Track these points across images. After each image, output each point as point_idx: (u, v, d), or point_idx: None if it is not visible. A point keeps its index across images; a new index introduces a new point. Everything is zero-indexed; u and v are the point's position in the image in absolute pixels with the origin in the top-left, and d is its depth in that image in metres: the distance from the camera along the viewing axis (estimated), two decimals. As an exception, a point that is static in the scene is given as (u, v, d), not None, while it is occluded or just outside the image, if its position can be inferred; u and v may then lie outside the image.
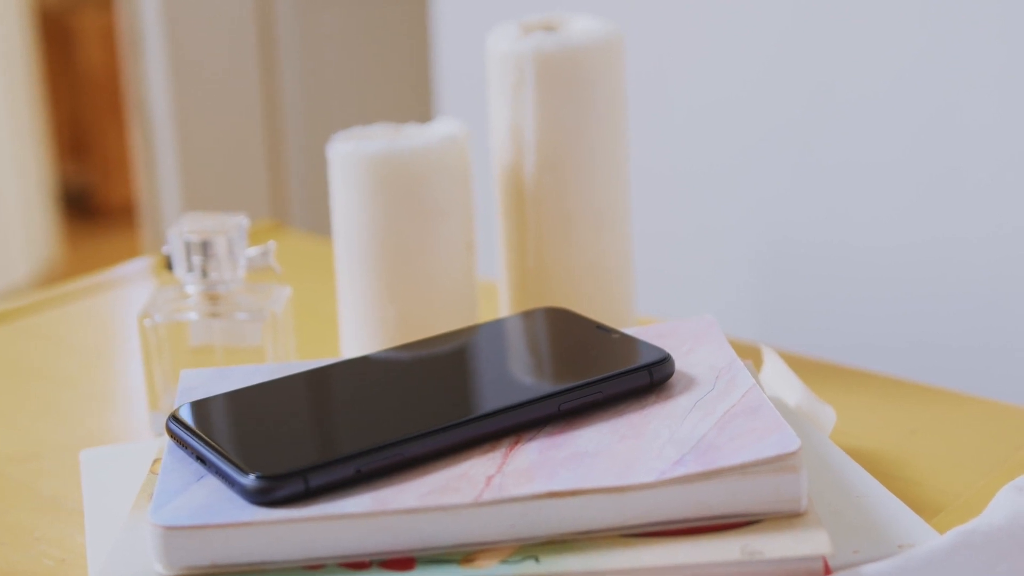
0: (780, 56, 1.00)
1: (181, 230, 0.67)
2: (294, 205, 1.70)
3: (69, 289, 0.91)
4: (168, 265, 0.68)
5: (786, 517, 0.50)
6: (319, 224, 1.69)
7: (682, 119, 1.07)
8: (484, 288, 0.82)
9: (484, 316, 0.78)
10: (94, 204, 2.85)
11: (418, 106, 1.67)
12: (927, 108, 0.94)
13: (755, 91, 1.02)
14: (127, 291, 0.92)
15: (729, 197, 1.06)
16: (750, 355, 0.72)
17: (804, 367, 0.73)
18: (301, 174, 1.69)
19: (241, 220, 0.68)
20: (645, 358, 0.56)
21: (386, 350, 0.60)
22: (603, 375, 0.55)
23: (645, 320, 0.82)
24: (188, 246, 0.67)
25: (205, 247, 0.67)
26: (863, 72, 0.97)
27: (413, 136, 0.70)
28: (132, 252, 2.61)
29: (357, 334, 0.71)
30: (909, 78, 0.94)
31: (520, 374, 0.58)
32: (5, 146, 2.51)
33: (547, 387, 0.54)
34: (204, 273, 0.67)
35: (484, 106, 0.99)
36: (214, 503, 0.49)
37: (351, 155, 0.69)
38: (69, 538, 0.59)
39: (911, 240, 0.97)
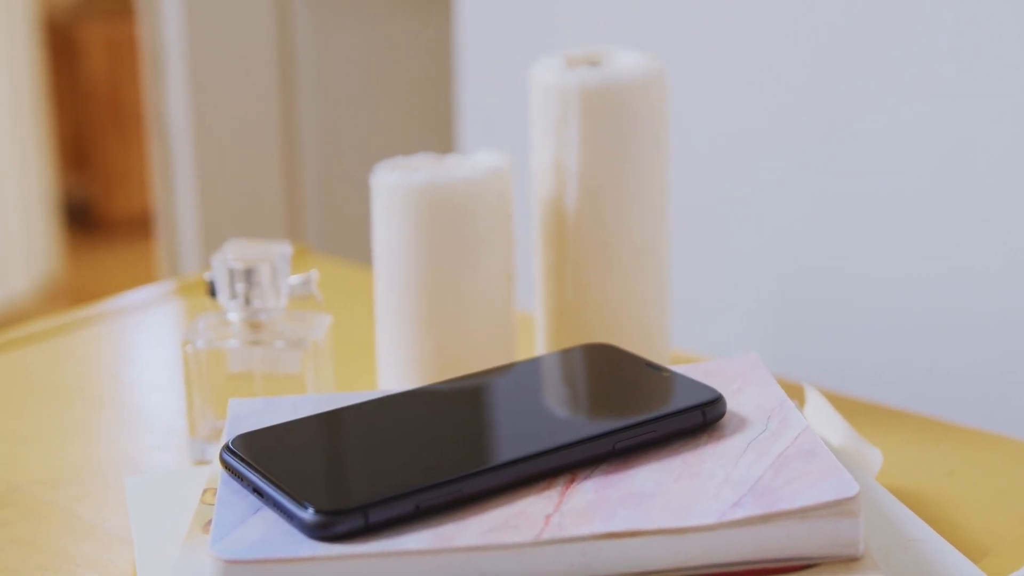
0: (798, 88, 1.01)
1: (225, 257, 0.67)
2: (309, 225, 1.70)
3: (93, 311, 0.91)
4: (211, 291, 0.68)
5: (843, 561, 0.50)
6: (335, 244, 1.69)
7: (699, 148, 1.07)
8: (521, 319, 0.82)
9: (521, 348, 0.78)
10: (96, 216, 2.85)
11: (439, 130, 1.67)
12: (945, 139, 0.94)
13: (772, 122, 1.02)
14: (148, 314, 0.91)
15: (744, 227, 1.06)
16: (790, 392, 0.72)
17: (836, 404, 0.73)
18: (318, 193, 1.69)
19: (284, 248, 0.68)
20: (697, 397, 0.56)
21: (435, 384, 0.60)
22: (657, 414, 0.55)
23: (680, 353, 0.82)
24: (232, 273, 0.67)
25: (249, 275, 0.67)
26: (881, 104, 0.97)
27: (457, 167, 0.70)
28: (134, 264, 2.61)
29: (395, 363, 0.71)
30: (927, 109, 0.95)
31: (573, 411, 0.58)
32: (8, 157, 2.50)
33: (602, 425, 0.54)
34: (247, 300, 0.67)
35: (510, 134, 1.00)
36: (273, 537, 0.49)
37: (395, 185, 0.69)
38: (112, 565, 0.59)
39: (928, 270, 0.97)
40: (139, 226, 2.71)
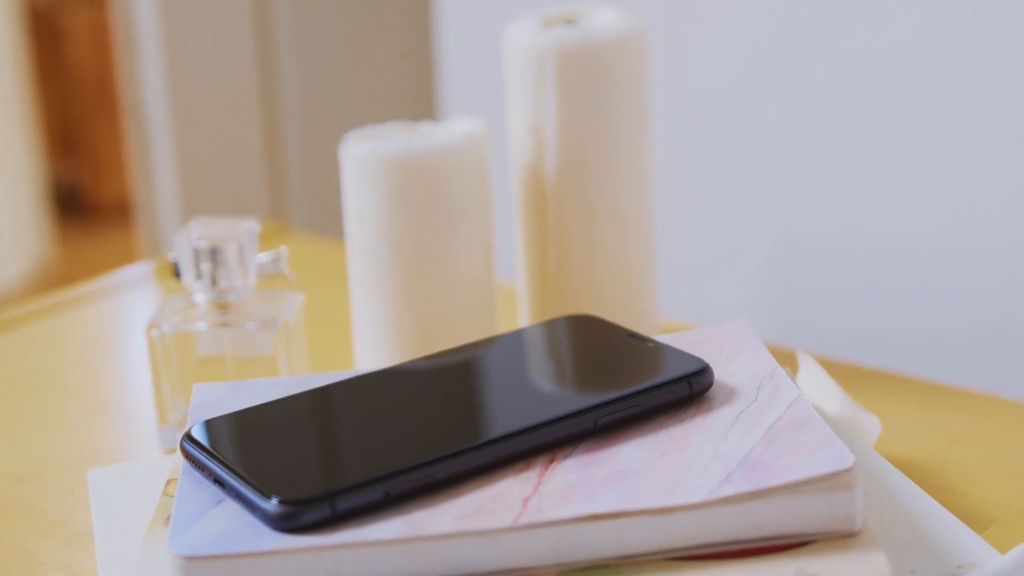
0: (784, 40, 0.97)
1: (189, 236, 0.64)
2: (293, 204, 1.67)
3: (69, 296, 0.88)
4: (175, 272, 0.65)
5: (840, 537, 0.47)
6: (319, 223, 1.66)
7: (684, 109, 1.04)
8: (501, 291, 0.79)
9: (503, 321, 0.75)
10: (85, 202, 2.82)
11: (421, 101, 1.64)
12: (942, 87, 0.91)
13: (760, 77, 0.99)
14: (128, 297, 0.89)
15: (737, 189, 1.03)
16: (783, 359, 0.69)
17: (831, 370, 0.70)
18: (300, 172, 1.66)
19: (251, 225, 0.65)
20: (683, 368, 0.53)
21: (408, 363, 0.58)
22: (640, 387, 0.52)
23: (669, 322, 0.79)
24: (197, 253, 0.64)
25: (214, 254, 0.64)
26: (873, 52, 0.94)
27: (430, 135, 0.67)
28: (125, 250, 2.58)
29: (372, 342, 0.69)
30: (923, 56, 0.92)
31: (552, 387, 0.55)
32: (-5, 145, 2.47)
33: (582, 401, 0.51)
34: (213, 281, 0.64)
35: (492, 100, 0.96)
36: (235, 530, 0.46)
37: (366, 156, 0.66)
38: (77, 563, 0.56)
39: (927, 226, 0.94)
40: (130, 211, 2.68)
